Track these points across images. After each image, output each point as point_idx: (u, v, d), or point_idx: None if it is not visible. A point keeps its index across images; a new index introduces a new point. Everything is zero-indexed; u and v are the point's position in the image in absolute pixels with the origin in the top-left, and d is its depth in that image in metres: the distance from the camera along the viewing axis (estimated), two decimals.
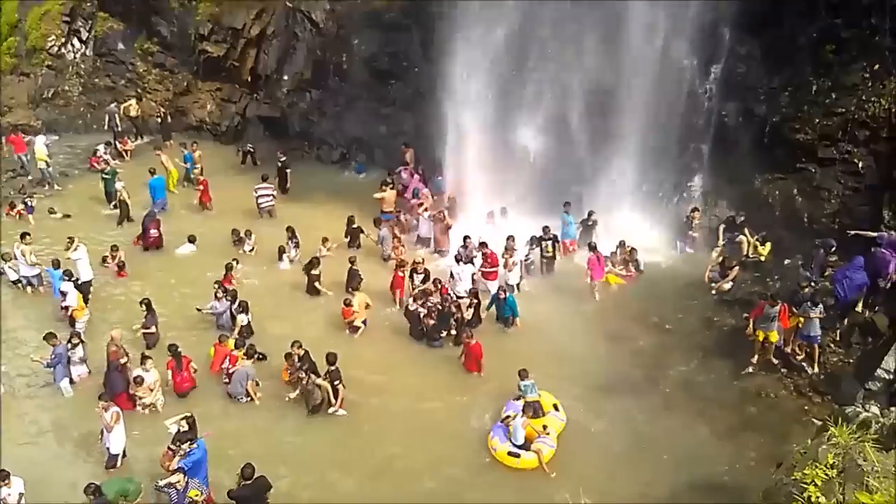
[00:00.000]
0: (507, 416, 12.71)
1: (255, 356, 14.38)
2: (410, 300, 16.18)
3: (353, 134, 24.95)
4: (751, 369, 14.29)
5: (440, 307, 15.74)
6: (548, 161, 19.68)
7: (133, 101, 25.53)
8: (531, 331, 16.16)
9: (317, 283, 17.31)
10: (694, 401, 13.89)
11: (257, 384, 14.08)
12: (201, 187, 21.62)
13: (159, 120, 25.77)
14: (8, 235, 18.63)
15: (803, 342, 13.95)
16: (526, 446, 12.33)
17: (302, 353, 13.92)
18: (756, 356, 14.28)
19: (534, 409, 12.95)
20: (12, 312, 16.46)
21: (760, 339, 14.12)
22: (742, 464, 12.21)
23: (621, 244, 18.19)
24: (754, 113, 18.67)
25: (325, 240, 18.83)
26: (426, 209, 20.04)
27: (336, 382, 13.48)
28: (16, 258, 17.13)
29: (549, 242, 17.86)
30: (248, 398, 13.87)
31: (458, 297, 16.26)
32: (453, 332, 15.60)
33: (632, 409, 13.69)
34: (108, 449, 12.25)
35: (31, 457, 12.33)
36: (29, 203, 20.46)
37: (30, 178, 22.69)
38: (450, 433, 13.32)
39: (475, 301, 16.10)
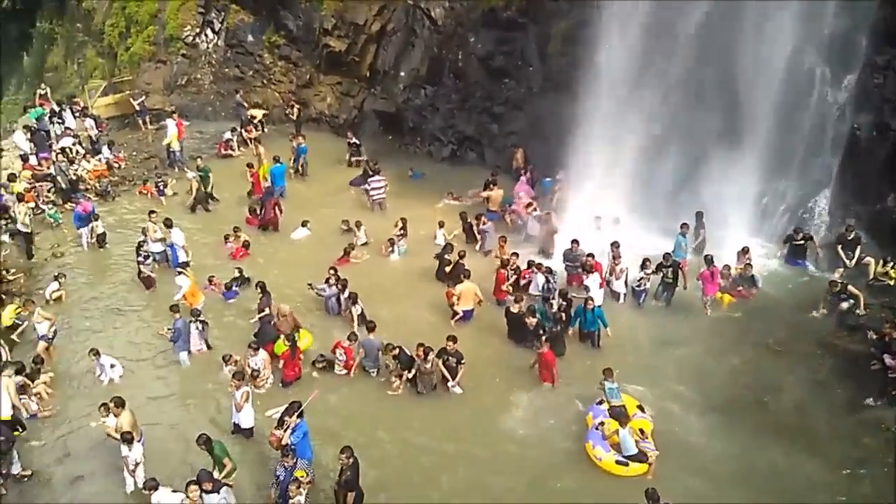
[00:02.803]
0: (602, 423, 12.61)
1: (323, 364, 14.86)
2: (512, 300, 16.21)
3: (465, 132, 25.13)
4: (871, 401, 13.47)
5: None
6: (664, 167, 19.13)
7: (254, 111, 26.54)
8: (633, 342, 15.81)
9: (447, 269, 17.56)
10: (806, 428, 13.24)
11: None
12: (252, 179, 21.77)
13: (292, 113, 26.39)
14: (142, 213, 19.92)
15: None
16: (634, 455, 12.17)
17: (397, 351, 14.29)
18: None
19: (622, 415, 12.70)
20: (140, 285, 17.63)
21: None
22: (856, 499, 11.57)
23: (744, 250, 17.37)
24: (890, 127, 17.55)
25: (441, 224, 19.39)
26: (535, 208, 19.99)
27: (463, 361, 14.11)
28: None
29: (670, 269, 16.76)
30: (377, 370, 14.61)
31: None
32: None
33: (736, 432, 13.19)
34: (236, 424, 13.01)
35: (148, 423, 13.06)
36: (160, 185, 21.88)
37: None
38: (529, 431, 13.40)
39: (564, 303, 15.84)
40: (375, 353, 14.53)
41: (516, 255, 17.51)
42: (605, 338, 15.59)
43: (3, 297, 16.40)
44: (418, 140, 26.06)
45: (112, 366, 14.50)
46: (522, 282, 17.17)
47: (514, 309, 15.73)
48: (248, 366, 14.05)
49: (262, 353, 14.26)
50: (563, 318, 15.62)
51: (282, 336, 14.77)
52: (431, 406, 13.98)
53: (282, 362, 14.45)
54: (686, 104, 18.80)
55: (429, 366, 14.01)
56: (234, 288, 17.34)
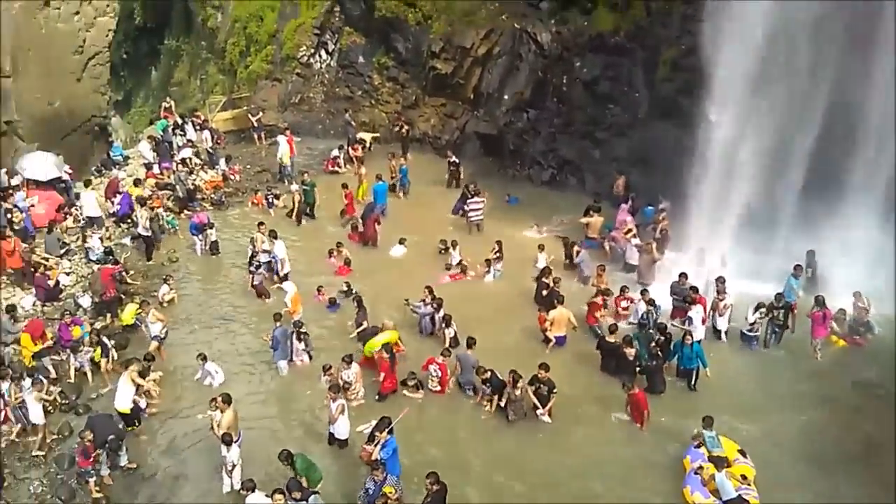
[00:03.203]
0: (701, 468, 12.15)
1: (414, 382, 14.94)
2: (607, 329, 15.90)
3: (566, 156, 25.03)
4: None
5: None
6: (774, 201, 18.28)
7: (363, 135, 27.29)
8: (733, 385, 15.21)
9: (544, 292, 17.40)
10: None
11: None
12: (347, 201, 22.19)
13: (401, 133, 26.92)
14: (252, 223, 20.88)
15: None
16: (734, 500, 11.65)
17: (488, 374, 14.31)
18: None
19: (720, 459, 12.20)
20: (249, 292, 18.44)
21: None
22: None
23: (857, 294, 16.42)
24: None
25: (541, 247, 19.27)
26: (635, 235, 19.64)
27: (555, 390, 13.91)
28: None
29: (782, 311, 16.05)
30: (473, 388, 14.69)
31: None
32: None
33: (843, 486, 12.43)
34: (331, 434, 13.36)
35: (245, 427, 13.37)
36: (270, 198, 22.87)
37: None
38: (618, 471, 13.01)
39: (662, 338, 15.34)
40: (472, 371, 14.57)
41: (610, 293, 17.29)
42: (703, 378, 15.01)
43: (123, 297, 17.51)
44: (518, 163, 26.12)
45: (216, 371, 15.18)
46: (620, 309, 17.05)
47: (611, 339, 15.45)
48: (341, 378, 14.38)
49: (355, 367, 14.54)
50: (660, 352, 15.16)
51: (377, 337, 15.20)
52: (520, 435, 13.83)
53: (382, 375, 14.71)
54: (800, 136, 17.92)
55: (518, 393, 13.94)
56: (337, 301, 17.82)
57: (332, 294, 18.01)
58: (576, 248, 19.38)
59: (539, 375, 13.99)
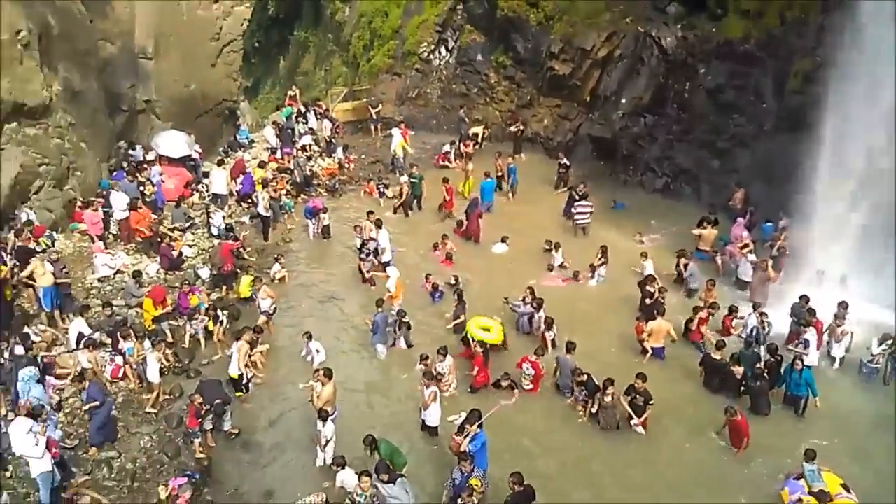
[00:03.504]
0: (800, 500, 11.53)
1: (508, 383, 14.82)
2: (713, 345, 15.37)
3: (682, 164, 24.24)
4: None
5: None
6: None
7: (475, 129, 27.50)
8: (844, 418, 14.27)
9: (647, 300, 17.01)
10: None
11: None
12: (448, 196, 22.30)
13: (517, 131, 26.90)
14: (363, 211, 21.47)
15: None
16: None
17: (585, 378, 14.12)
18: None
19: (823, 494, 11.52)
20: (356, 276, 19.04)
21: None
22: None
23: None
24: None
25: (644, 254, 18.88)
26: (751, 251, 18.81)
27: (651, 402, 13.58)
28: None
29: None
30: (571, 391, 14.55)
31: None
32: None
33: None
34: (422, 420, 13.59)
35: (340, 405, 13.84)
36: (381, 188, 23.46)
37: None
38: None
39: (772, 360, 14.61)
40: (570, 375, 14.44)
41: (717, 306, 16.69)
42: (811, 407, 14.21)
43: (239, 271, 18.44)
44: (630, 169, 25.54)
45: (318, 351, 15.73)
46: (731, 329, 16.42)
47: (717, 356, 14.89)
48: (434, 369, 14.55)
49: (449, 359, 14.68)
50: (767, 373, 14.43)
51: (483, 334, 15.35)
52: (611, 443, 13.57)
53: (475, 369, 14.83)
54: None
55: (608, 399, 13.67)
56: (441, 290, 18.08)
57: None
58: (682, 260, 18.74)
59: (636, 385, 13.69)
